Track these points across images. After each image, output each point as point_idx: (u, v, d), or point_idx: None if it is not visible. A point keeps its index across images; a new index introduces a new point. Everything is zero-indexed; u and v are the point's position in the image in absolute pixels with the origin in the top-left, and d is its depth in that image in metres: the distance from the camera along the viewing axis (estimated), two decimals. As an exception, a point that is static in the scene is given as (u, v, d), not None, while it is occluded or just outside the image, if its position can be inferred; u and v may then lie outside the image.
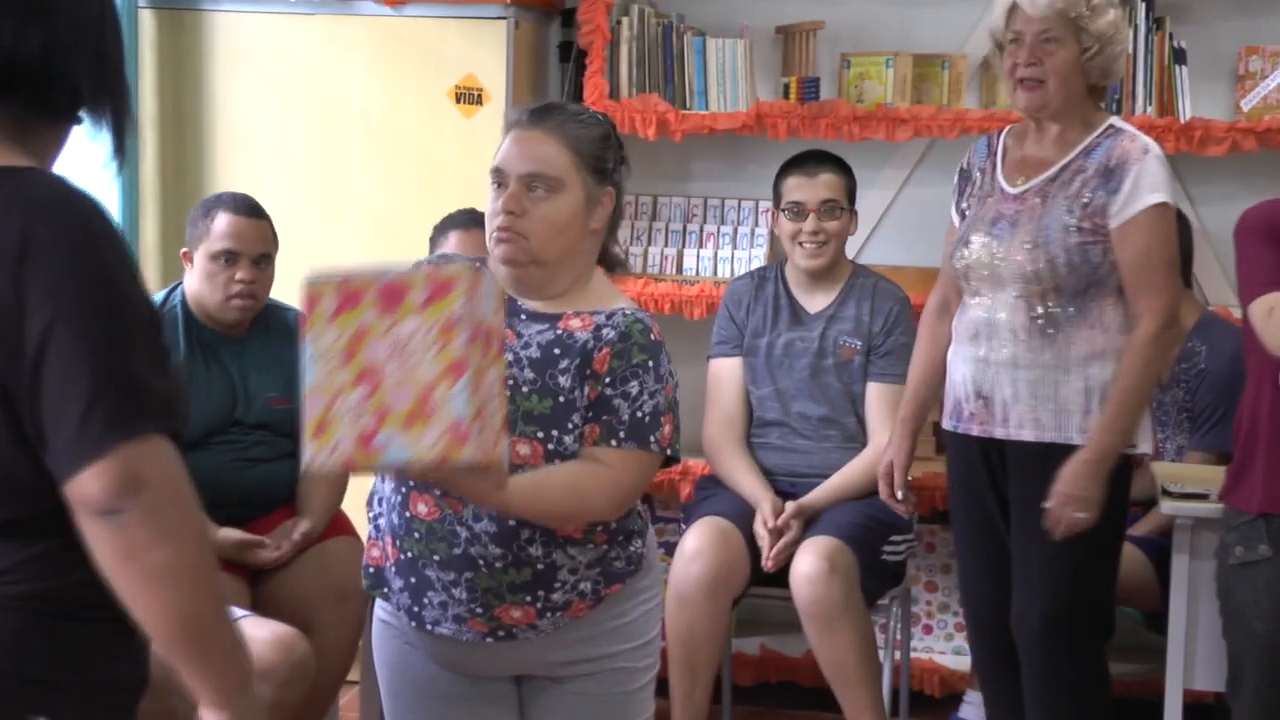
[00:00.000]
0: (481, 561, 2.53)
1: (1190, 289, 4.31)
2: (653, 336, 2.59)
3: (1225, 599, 3.41)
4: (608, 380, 2.54)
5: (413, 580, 2.59)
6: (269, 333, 3.82)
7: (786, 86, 4.61)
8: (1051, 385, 3.46)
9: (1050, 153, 3.52)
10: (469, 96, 4.55)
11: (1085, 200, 3.44)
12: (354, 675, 3.83)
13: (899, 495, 3.76)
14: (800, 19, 4.70)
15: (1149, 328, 3.40)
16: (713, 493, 4.17)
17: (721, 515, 4.00)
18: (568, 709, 2.67)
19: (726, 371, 4.25)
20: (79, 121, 1.88)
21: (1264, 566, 3.32)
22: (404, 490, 2.57)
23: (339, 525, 3.82)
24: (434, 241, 3.98)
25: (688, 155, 4.90)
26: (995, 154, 3.62)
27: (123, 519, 1.71)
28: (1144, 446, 3.54)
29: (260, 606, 3.57)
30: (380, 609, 2.73)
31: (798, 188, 4.18)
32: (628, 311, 2.60)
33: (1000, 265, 3.48)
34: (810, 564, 3.84)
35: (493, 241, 2.60)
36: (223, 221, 3.72)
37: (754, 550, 3.98)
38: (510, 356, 2.54)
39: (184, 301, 3.77)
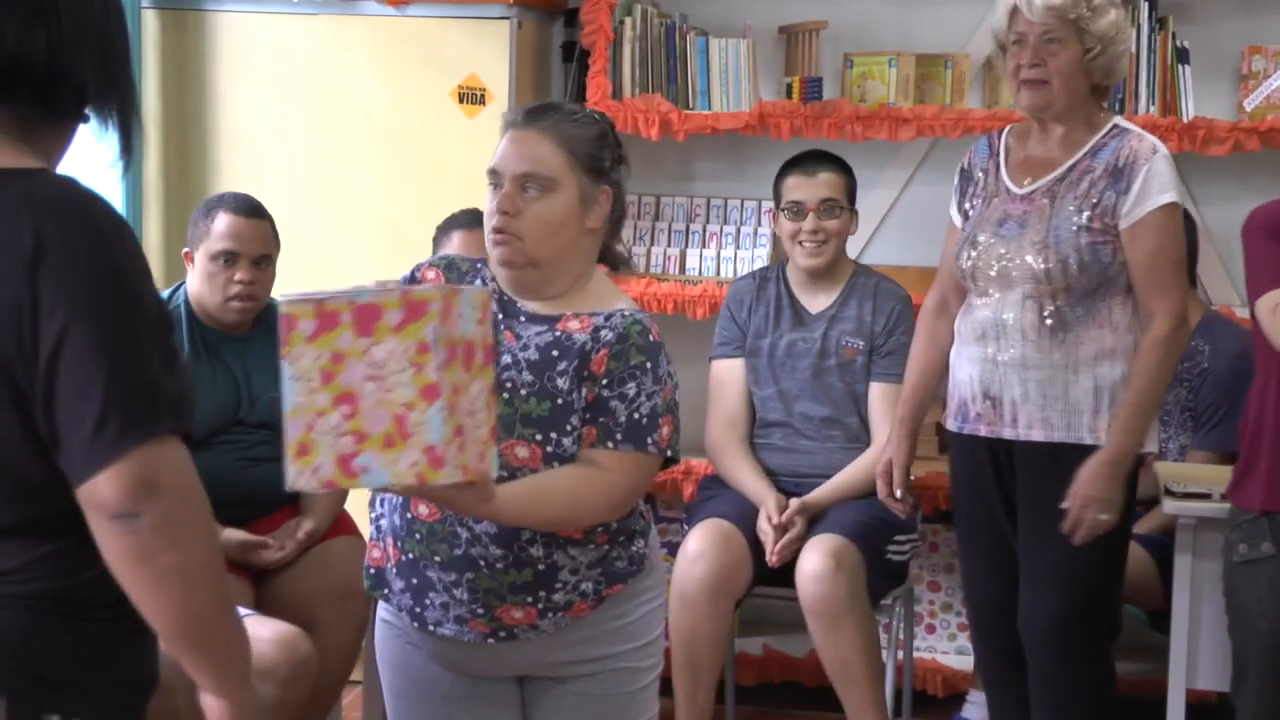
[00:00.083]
0: (483, 562, 2.53)
1: (1195, 288, 4.31)
2: (651, 337, 2.57)
3: (1230, 597, 3.41)
4: (605, 382, 2.53)
5: (414, 581, 2.59)
6: (271, 332, 3.79)
7: (789, 86, 4.61)
8: (1061, 385, 3.46)
9: (1056, 153, 3.52)
10: (472, 97, 4.55)
11: (1095, 200, 3.44)
12: (357, 675, 3.82)
13: (898, 494, 3.76)
14: (803, 19, 4.70)
15: (1162, 328, 3.40)
16: (715, 493, 4.17)
17: (724, 517, 4.00)
18: (570, 709, 2.66)
19: (729, 372, 4.24)
20: (85, 120, 1.88)
21: (1267, 564, 3.32)
22: (406, 491, 2.57)
23: (342, 525, 3.82)
24: (437, 241, 3.97)
25: (690, 155, 4.90)
26: (998, 154, 3.61)
27: (137, 523, 1.72)
28: (1149, 445, 3.54)
29: (263, 606, 3.57)
30: (383, 609, 2.73)
31: (797, 187, 4.17)
32: (626, 312, 2.59)
33: (1009, 265, 3.47)
34: (816, 562, 3.84)
35: (490, 243, 2.60)
36: (222, 222, 3.72)
37: (756, 551, 3.97)
38: (509, 359, 2.54)
39: (187, 301, 3.77)
